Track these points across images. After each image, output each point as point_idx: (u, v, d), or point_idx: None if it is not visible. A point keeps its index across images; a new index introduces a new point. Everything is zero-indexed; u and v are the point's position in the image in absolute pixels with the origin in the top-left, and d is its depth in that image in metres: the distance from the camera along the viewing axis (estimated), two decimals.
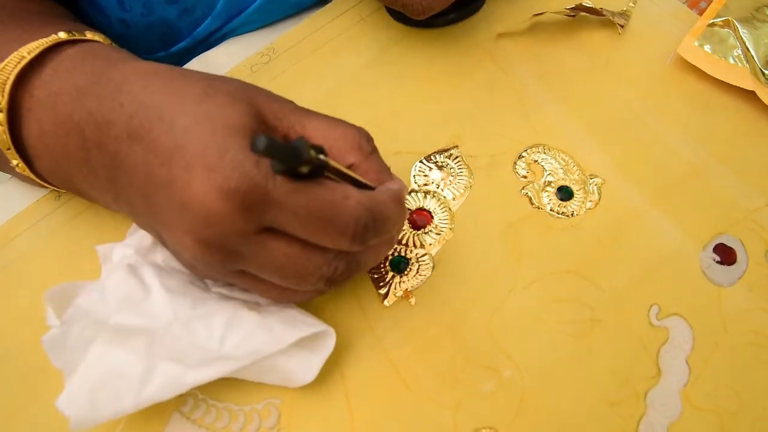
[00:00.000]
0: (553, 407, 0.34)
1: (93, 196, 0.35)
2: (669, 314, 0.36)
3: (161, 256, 0.36)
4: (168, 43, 0.50)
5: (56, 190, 0.39)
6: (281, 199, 0.26)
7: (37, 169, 0.35)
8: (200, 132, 0.27)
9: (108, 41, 0.36)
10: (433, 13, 0.41)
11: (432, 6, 0.40)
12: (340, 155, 0.31)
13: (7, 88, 0.32)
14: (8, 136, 0.33)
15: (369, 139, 0.32)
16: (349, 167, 0.31)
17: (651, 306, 0.36)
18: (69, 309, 0.32)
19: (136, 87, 0.30)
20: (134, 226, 0.38)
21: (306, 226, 0.27)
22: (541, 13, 0.45)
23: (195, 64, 0.46)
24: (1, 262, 0.38)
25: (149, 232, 0.33)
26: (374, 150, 0.32)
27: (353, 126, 0.32)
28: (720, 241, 0.38)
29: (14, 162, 0.34)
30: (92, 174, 0.32)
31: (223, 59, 0.46)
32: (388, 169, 0.33)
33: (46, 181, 0.36)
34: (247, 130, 0.28)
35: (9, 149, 0.33)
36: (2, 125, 0.32)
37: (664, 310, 0.36)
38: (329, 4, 0.47)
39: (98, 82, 0.31)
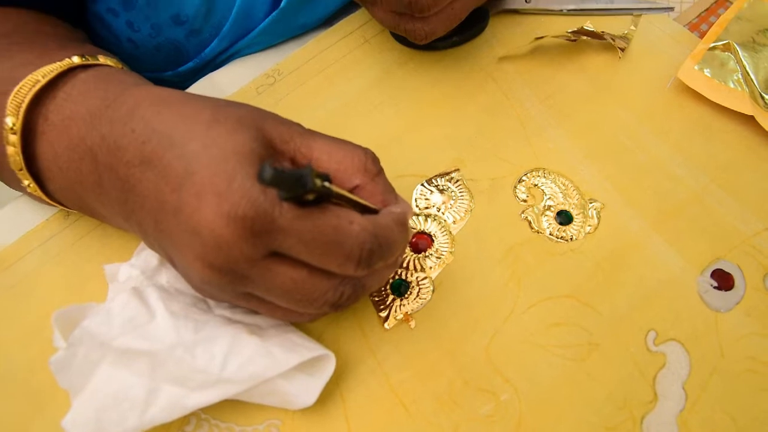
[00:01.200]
0: (551, 430, 0.34)
1: (104, 216, 0.35)
2: (666, 339, 0.37)
3: (166, 277, 0.37)
4: (175, 63, 0.51)
5: (66, 210, 0.40)
6: (287, 225, 0.27)
7: (49, 189, 0.36)
8: (209, 159, 0.28)
9: (120, 65, 0.37)
10: (434, 38, 0.41)
11: (434, 32, 0.40)
12: (347, 176, 0.32)
13: (22, 111, 0.33)
14: (21, 158, 0.34)
15: (375, 160, 0.33)
16: (355, 188, 0.32)
17: (648, 331, 0.37)
18: (75, 331, 0.33)
19: (148, 113, 0.30)
20: (141, 245, 0.39)
21: (312, 251, 0.28)
22: (543, 37, 0.45)
23: (202, 84, 0.47)
24: (11, 281, 0.39)
25: (158, 252, 0.33)
26: (380, 171, 0.33)
27: (359, 147, 0.33)
28: (718, 267, 0.39)
29: (26, 182, 0.35)
30: (104, 196, 0.33)
31: (229, 80, 0.47)
32: (393, 190, 0.33)
33: (57, 201, 0.37)
34: (255, 155, 0.28)
35: (21, 170, 0.34)
36: (16, 147, 0.33)
37: (662, 335, 0.37)
38: (334, 26, 0.48)
39: (111, 106, 0.32)
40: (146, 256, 0.38)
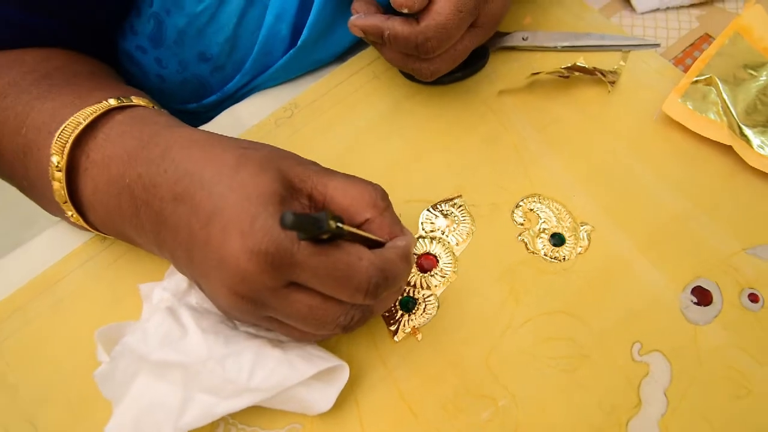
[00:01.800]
0: None
1: (139, 243, 0.39)
2: (650, 350, 0.40)
3: (195, 299, 0.41)
4: (200, 96, 0.55)
5: (101, 234, 0.44)
6: (304, 260, 0.31)
7: (90, 219, 0.39)
8: (235, 199, 0.32)
9: (151, 104, 0.41)
10: (439, 76, 0.45)
11: (439, 70, 0.44)
12: (358, 211, 0.36)
13: (66, 150, 0.36)
14: (66, 191, 0.38)
15: (384, 196, 0.37)
16: (366, 221, 0.36)
17: (634, 343, 0.40)
18: (116, 347, 0.37)
19: (179, 155, 0.34)
20: (171, 268, 0.43)
21: (325, 283, 0.32)
22: (539, 73, 0.49)
23: (225, 116, 0.51)
24: (53, 298, 0.43)
25: (188, 276, 0.37)
26: (388, 206, 0.37)
27: (370, 184, 0.37)
28: (698, 284, 0.42)
29: (69, 213, 0.39)
30: (140, 227, 0.36)
31: (249, 113, 0.51)
32: (399, 222, 0.37)
33: (96, 229, 0.41)
34: (276, 195, 0.32)
35: (66, 203, 0.38)
36: (61, 182, 0.37)
37: (646, 346, 0.40)
38: (346, 62, 0.52)
39: (146, 147, 0.36)
40: (177, 280, 0.41)
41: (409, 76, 0.50)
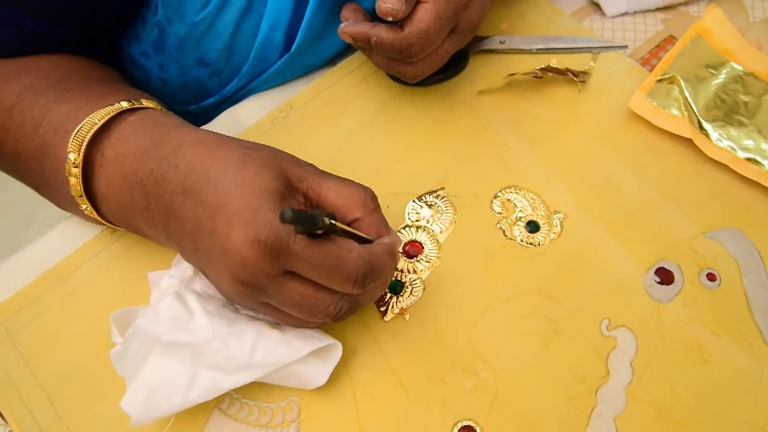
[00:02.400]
0: (522, 402, 0.42)
1: (148, 234, 0.43)
2: (617, 326, 0.44)
3: (200, 285, 0.44)
4: (199, 99, 0.58)
5: (113, 228, 0.47)
6: (299, 251, 0.34)
7: (103, 212, 0.43)
8: (239, 193, 0.35)
9: (159, 106, 0.44)
10: (423, 77, 0.49)
11: (422, 73, 0.48)
12: (349, 210, 0.39)
13: (83, 148, 0.40)
14: (81, 186, 0.41)
15: (373, 198, 0.40)
16: (356, 220, 0.39)
17: (602, 319, 0.44)
18: (129, 329, 0.40)
19: (189, 153, 0.38)
20: (177, 257, 0.46)
21: (318, 272, 0.35)
22: (515, 74, 0.53)
23: (224, 117, 0.54)
24: (70, 287, 0.46)
25: (193, 264, 0.41)
26: (377, 207, 0.40)
27: (361, 186, 0.40)
28: (661, 265, 0.46)
29: (83, 206, 0.42)
30: (150, 219, 0.40)
31: (247, 114, 0.54)
32: (386, 223, 0.41)
33: (108, 222, 0.44)
34: (276, 192, 0.36)
35: (81, 196, 0.41)
36: (77, 178, 0.40)
37: (614, 322, 0.44)
38: (336, 66, 0.56)
39: (158, 146, 0.39)
40: (183, 268, 0.45)
41: (395, 78, 0.54)
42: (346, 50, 0.57)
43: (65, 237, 0.49)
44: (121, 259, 0.47)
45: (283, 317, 0.39)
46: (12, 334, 0.45)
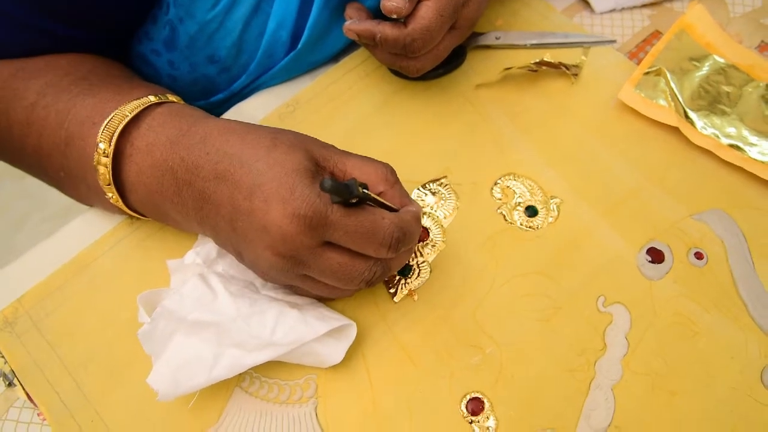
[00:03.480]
0: (526, 374, 0.44)
1: (176, 220, 0.45)
2: (612, 302, 0.47)
3: (222, 266, 0.46)
4: (208, 95, 0.60)
5: (130, 219, 0.49)
6: (337, 220, 0.37)
7: (131, 201, 0.45)
8: (273, 174, 0.38)
9: (182, 101, 0.46)
10: (424, 72, 0.52)
11: (424, 67, 0.51)
12: (373, 185, 0.42)
13: (114, 139, 0.42)
14: (110, 175, 0.43)
15: (393, 172, 0.43)
16: (380, 194, 0.42)
17: (599, 297, 0.47)
18: (156, 309, 0.42)
19: (219, 140, 0.40)
20: (199, 240, 0.48)
21: (354, 240, 0.38)
22: (511, 68, 0.56)
23: (232, 112, 0.56)
24: (90, 276, 0.48)
25: (226, 248, 0.43)
26: (398, 180, 0.43)
27: (381, 162, 0.43)
28: (652, 245, 0.49)
29: (110, 195, 0.44)
30: (181, 204, 0.42)
31: (255, 109, 0.56)
32: (408, 194, 0.44)
33: (133, 210, 0.46)
34: (307, 171, 0.38)
35: (109, 185, 0.43)
36: (107, 167, 0.42)
37: (609, 299, 0.47)
38: (340, 62, 0.58)
39: (186, 135, 0.41)
40: (208, 249, 0.47)
41: (397, 73, 0.56)
42: (349, 47, 0.59)
43: (84, 229, 0.51)
44: (139, 248, 0.50)
45: (320, 288, 0.42)
46: (36, 322, 0.47)
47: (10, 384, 0.45)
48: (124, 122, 0.42)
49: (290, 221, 0.37)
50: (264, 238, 0.38)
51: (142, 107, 0.43)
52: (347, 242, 0.38)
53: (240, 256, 0.42)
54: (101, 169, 0.43)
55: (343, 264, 0.39)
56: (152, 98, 0.44)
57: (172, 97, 0.45)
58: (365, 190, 0.37)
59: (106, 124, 0.42)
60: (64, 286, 0.48)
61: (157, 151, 0.42)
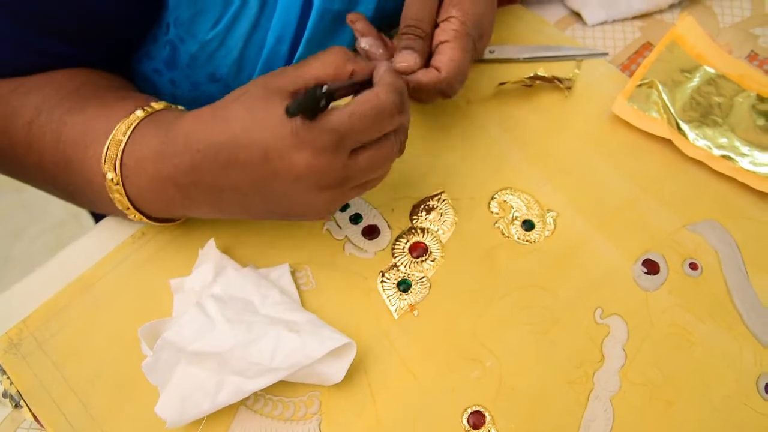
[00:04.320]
0: (525, 387, 0.45)
1: (198, 215, 0.46)
2: (610, 314, 0.48)
3: (219, 287, 0.47)
4: None
5: (133, 236, 0.50)
6: (348, 128, 0.39)
7: (147, 212, 0.45)
8: (270, 133, 0.39)
9: (165, 105, 0.46)
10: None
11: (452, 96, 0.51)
12: (341, 71, 0.42)
13: (118, 165, 0.42)
14: (127, 200, 0.44)
15: (346, 50, 0.43)
16: (351, 75, 0.42)
17: (596, 308, 0.48)
18: (158, 341, 0.42)
19: (202, 134, 0.40)
20: (197, 263, 0.49)
21: (371, 128, 0.40)
22: (505, 83, 0.56)
23: None
24: (95, 296, 0.49)
25: (269, 216, 0.44)
26: (356, 54, 0.44)
27: (332, 48, 0.43)
28: (647, 257, 0.50)
29: (131, 216, 0.45)
30: (193, 204, 0.43)
31: None
32: (367, 60, 0.45)
33: (153, 218, 0.47)
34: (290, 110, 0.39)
35: (129, 209, 0.44)
36: (121, 194, 0.43)
37: (606, 311, 0.48)
38: None
39: (166, 142, 0.42)
40: (204, 270, 0.48)
41: None
42: None
43: (87, 249, 0.51)
44: (142, 267, 0.50)
45: (366, 186, 0.44)
46: (42, 343, 0.47)
47: (17, 405, 0.46)
48: (121, 147, 0.42)
49: (314, 157, 0.38)
50: (303, 184, 0.40)
51: (133, 127, 0.43)
52: (366, 136, 0.40)
53: (287, 215, 0.43)
54: (116, 197, 0.43)
55: (374, 155, 0.41)
56: (139, 113, 0.44)
57: (156, 105, 0.45)
58: (325, 87, 0.37)
59: (106, 153, 0.42)
60: (69, 306, 0.49)
61: (149, 166, 0.42)
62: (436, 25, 0.49)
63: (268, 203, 0.42)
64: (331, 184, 0.40)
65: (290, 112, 0.36)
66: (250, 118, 0.40)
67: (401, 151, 0.44)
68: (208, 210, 0.44)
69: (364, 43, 0.49)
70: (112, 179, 0.42)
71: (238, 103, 0.41)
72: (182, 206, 0.44)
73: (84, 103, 0.46)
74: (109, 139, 0.43)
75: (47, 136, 0.45)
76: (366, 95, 0.40)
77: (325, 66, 0.42)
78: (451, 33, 0.47)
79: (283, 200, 0.41)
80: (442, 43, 0.47)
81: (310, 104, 0.37)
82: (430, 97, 0.51)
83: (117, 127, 0.43)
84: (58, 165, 0.45)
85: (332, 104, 0.39)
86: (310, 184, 0.40)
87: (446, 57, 0.47)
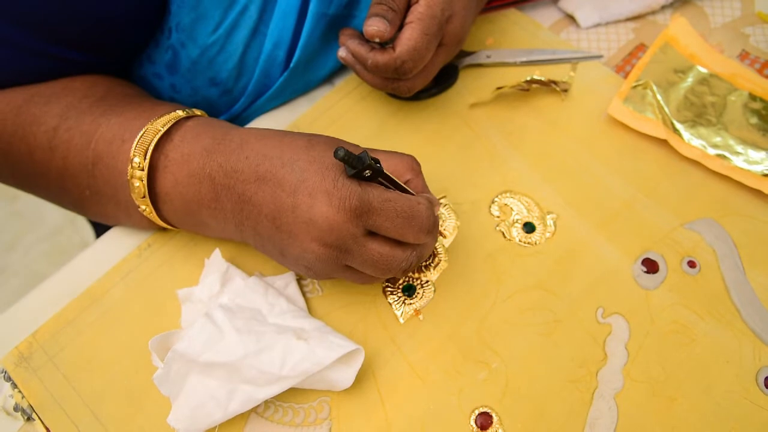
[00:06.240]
0: (531, 387, 0.46)
1: (211, 227, 0.46)
2: (611, 313, 0.49)
3: (227, 296, 0.47)
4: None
5: (139, 248, 0.50)
6: (379, 206, 0.40)
7: (163, 212, 0.46)
8: (315, 170, 0.40)
9: (206, 115, 0.48)
10: (417, 90, 0.53)
11: (415, 86, 0.52)
12: (400, 174, 0.44)
13: (149, 152, 0.43)
14: (146, 188, 0.44)
15: (417, 163, 0.46)
16: (407, 182, 0.44)
17: (597, 308, 0.49)
18: (168, 353, 0.43)
19: (257, 144, 0.42)
20: (204, 273, 0.50)
21: (396, 225, 0.41)
22: (503, 87, 0.57)
23: None
24: (103, 308, 0.49)
25: (266, 248, 0.45)
26: (421, 171, 0.46)
27: (407, 154, 0.46)
28: (646, 256, 0.51)
29: (143, 207, 0.45)
30: (219, 209, 0.44)
31: None
32: (428, 187, 0.46)
33: (165, 221, 0.47)
34: (343, 166, 0.40)
35: (144, 197, 0.45)
36: (142, 180, 0.44)
37: (608, 310, 0.49)
38: (336, 86, 0.59)
39: (221, 142, 0.44)
40: (211, 281, 0.48)
41: (391, 94, 0.58)
42: (342, 67, 0.61)
43: (93, 261, 0.52)
44: (149, 278, 0.51)
45: (359, 278, 0.44)
46: (52, 356, 0.48)
47: (29, 418, 0.46)
48: (158, 136, 0.44)
49: (336, 211, 0.39)
50: (310, 230, 0.40)
51: (174, 121, 0.45)
52: (389, 228, 0.41)
53: (282, 255, 0.43)
54: (136, 183, 0.44)
55: (384, 254, 0.42)
56: (180, 113, 0.46)
57: (198, 112, 0.48)
58: (378, 164, 0.39)
59: (139, 139, 0.44)
60: (77, 319, 0.49)
61: (194, 161, 0.44)
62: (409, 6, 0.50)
63: (274, 234, 0.42)
64: (332, 244, 0.40)
65: (338, 155, 0.37)
66: (304, 148, 0.41)
67: (404, 272, 0.44)
68: (229, 219, 0.44)
69: (342, 49, 0.52)
70: (139, 164, 0.43)
71: (302, 136, 0.43)
72: (208, 208, 0.44)
73: (120, 108, 0.47)
74: (147, 127, 0.44)
75: (76, 139, 0.46)
76: (408, 196, 0.42)
77: (392, 158, 0.44)
78: (416, 14, 0.48)
79: (287, 237, 0.42)
80: (405, 24, 0.49)
81: (357, 161, 0.38)
82: (386, 82, 0.52)
83: (158, 119, 0.45)
84: (85, 166, 0.46)
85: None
86: (315, 233, 0.40)
87: (404, 36, 0.48)
